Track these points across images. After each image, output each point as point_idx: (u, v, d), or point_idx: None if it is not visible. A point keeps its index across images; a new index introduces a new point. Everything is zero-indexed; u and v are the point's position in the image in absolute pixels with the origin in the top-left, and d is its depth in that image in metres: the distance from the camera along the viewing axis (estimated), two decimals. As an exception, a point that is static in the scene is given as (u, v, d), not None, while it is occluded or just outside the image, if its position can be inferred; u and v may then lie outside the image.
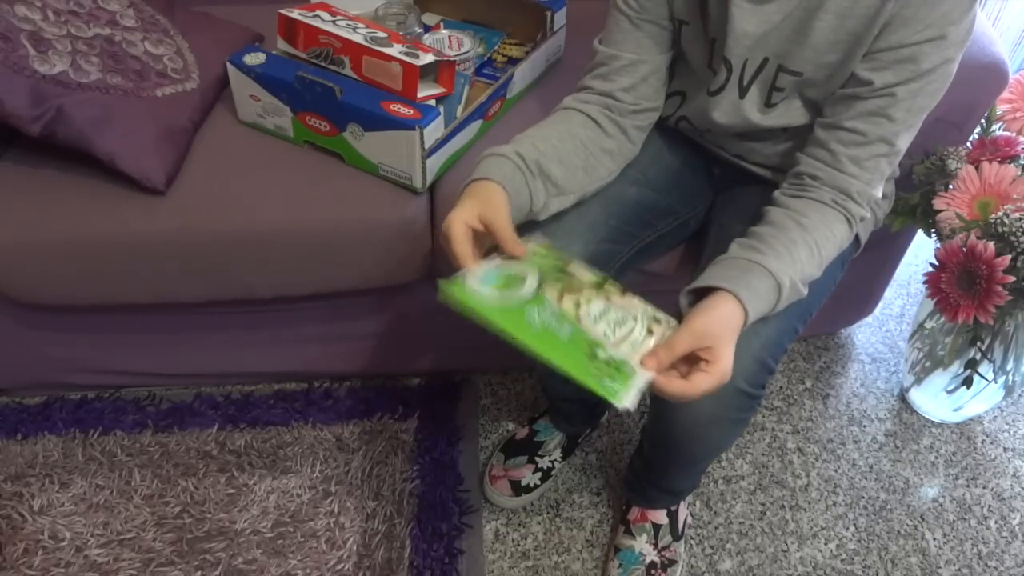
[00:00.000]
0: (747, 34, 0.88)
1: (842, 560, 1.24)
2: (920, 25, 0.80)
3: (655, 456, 1.11)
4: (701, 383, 0.74)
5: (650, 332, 0.77)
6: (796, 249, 0.84)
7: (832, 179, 0.88)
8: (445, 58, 1.11)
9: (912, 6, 0.79)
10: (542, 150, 0.90)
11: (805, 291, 0.86)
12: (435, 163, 1.10)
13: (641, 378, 0.73)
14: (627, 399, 0.72)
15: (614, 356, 0.74)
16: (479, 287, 0.77)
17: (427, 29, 1.28)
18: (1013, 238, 0.99)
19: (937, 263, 1.07)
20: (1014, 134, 1.12)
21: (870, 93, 0.84)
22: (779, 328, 0.89)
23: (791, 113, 0.93)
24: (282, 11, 1.12)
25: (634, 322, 0.77)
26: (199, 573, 1.18)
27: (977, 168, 1.07)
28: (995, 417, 1.44)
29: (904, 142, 0.87)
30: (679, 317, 0.78)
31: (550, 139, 0.92)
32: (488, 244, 0.82)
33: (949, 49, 0.81)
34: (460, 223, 0.79)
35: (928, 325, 1.29)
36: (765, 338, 0.88)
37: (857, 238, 1.05)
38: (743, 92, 0.94)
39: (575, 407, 1.27)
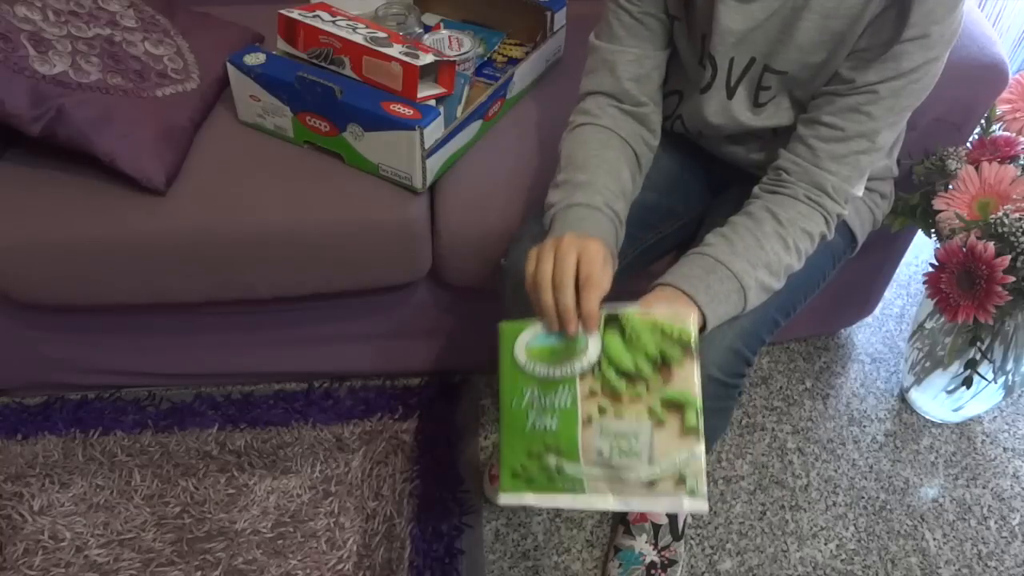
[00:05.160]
0: (732, 31, 0.88)
1: (842, 560, 1.24)
2: (903, 24, 0.80)
3: None
4: None
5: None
6: (768, 241, 0.85)
7: (808, 174, 0.88)
8: (445, 58, 1.11)
9: (896, 6, 0.79)
10: (614, 191, 0.90)
11: (780, 284, 0.87)
12: (435, 163, 1.10)
13: (553, 501, 0.79)
14: (506, 497, 0.80)
15: (565, 469, 0.78)
16: (530, 342, 0.80)
17: (427, 29, 1.28)
18: (1013, 238, 0.99)
19: (937, 263, 1.07)
20: (1014, 134, 1.12)
21: (850, 90, 0.85)
22: (756, 319, 0.90)
23: (780, 113, 0.94)
24: (282, 11, 1.12)
25: (641, 461, 0.77)
26: (199, 573, 1.18)
27: (977, 168, 1.07)
28: (995, 417, 1.44)
29: (886, 139, 0.87)
30: None
31: (619, 176, 0.92)
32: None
33: (933, 49, 0.81)
34: (570, 270, 0.77)
35: (928, 325, 1.29)
36: (740, 328, 0.89)
37: (854, 237, 1.05)
38: (731, 92, 0.94)
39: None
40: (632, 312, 0.77)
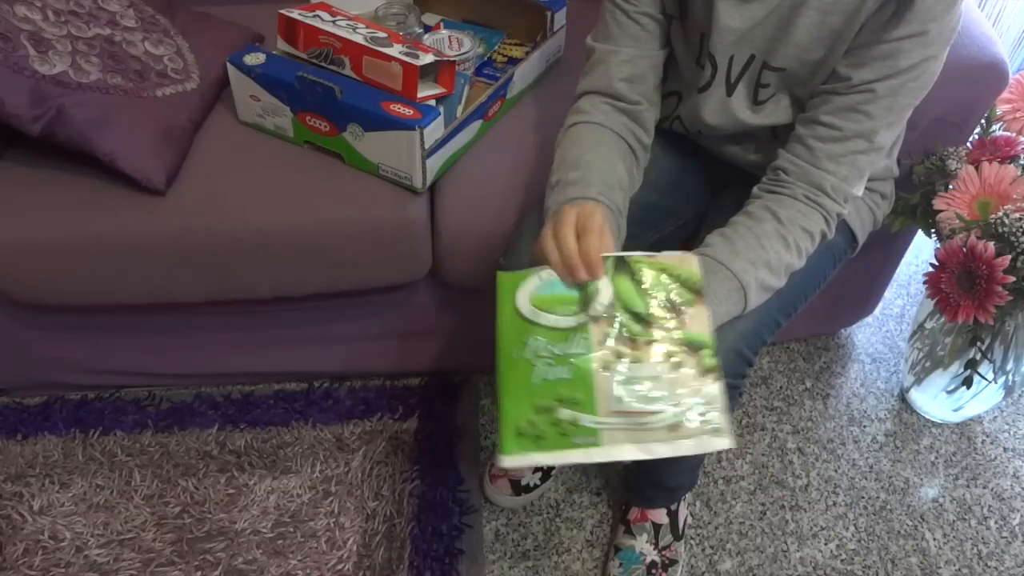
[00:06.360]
0: (731, 29, 0.88)
1: (842, 560, 1.24)
2: (901, 21, 0.80)
3: None
4: None
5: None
6: (768, 240, 0.85)
7: (806, 174, 0.88)
8: (445, 58, 1.11)
9: (894, 2, 0.79)
10: (609, 183, 0.90)
11: (781, 283, 0.87)
12: (435, 163, 1.10)
13: (565, 458, 0.72)
14: (510, 460, 0.72)
15: (580, 421, 0.73)
16: (536, 291, 0.77)
17: (427, 29, 1.28)
18: (1013, 238, 0.99)
19: (937, 263, 1.07)
20: (1014, 134, 1.12)
21: (847, 89, 0.85)
22: (757, 319, 0.90)
23: (779, 112, 0.94)
24: (282, 11, 1.12)
25: (663, 404, 0.74)
26: (199, 573, 1.18)
27: (977, 168, 1.07)
28: (995, 417, 1.44)
29: (885, 139, 0.87)
30: None
31: (613, 169, 0.92)
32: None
33: (931, 47, 0.81)
34: (568, 227, 0.78)
35: (928, 325, 1.29)
36: (742, 329, 0.89)
37: (854, 237, 1.05)
38: (731, 90, 0.94)
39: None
40: (639, 256, 0.78)
